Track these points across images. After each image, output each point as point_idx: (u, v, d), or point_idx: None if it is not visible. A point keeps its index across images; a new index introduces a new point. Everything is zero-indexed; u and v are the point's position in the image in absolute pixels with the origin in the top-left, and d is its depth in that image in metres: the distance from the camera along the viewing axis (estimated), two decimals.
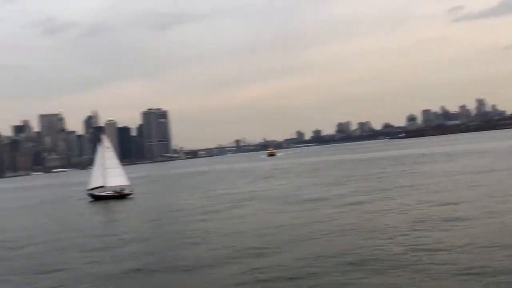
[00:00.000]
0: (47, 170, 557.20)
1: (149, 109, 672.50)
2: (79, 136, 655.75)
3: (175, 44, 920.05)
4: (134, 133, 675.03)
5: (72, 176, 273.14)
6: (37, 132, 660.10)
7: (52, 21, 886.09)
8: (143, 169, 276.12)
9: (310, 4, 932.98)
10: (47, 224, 48.88)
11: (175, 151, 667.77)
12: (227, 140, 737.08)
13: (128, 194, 69.81)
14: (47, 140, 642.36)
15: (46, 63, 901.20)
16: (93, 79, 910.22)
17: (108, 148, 72.39)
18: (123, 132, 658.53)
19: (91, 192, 70.63)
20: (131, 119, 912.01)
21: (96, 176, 70.73)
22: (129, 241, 33.53)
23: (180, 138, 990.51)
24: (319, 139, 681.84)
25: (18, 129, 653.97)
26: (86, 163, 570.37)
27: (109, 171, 70.03)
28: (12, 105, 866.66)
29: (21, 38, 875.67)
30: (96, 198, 69.38)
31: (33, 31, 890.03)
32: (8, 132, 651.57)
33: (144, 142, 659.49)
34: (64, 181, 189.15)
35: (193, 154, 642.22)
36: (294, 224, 33.87)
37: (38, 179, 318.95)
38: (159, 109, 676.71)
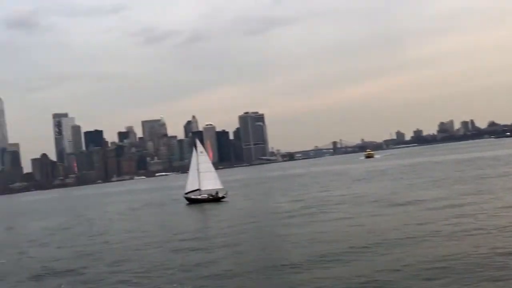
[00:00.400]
0: (150, 174, 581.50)
1: (245, 113, 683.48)
2: (180, 141, 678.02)
3: (269, 49, 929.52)
4: (232, 136, 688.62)
5: (172, 179, 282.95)
6: (141, 138, 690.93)
7: (153, 30, 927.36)
8: (240, 172, 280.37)
9: (405, 4, 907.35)
10: (149, 227, 50.78)
11: (272, 154, 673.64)
12: (324, 142, 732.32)
13: (223, 197, 71.38)
14: (150, 145, 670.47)
15: (147, 71, 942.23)
16: (192, 85, 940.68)
17: (202, 152, 74.47)
18: (221, 136, 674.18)
19: (188, 195, 72.98)
20: (229, 123, 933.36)
21: (192, 180, 72.95)
22: (224, 243, 34.34)
23: (276, 140, 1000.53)
24: (420, 139, 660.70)
25: (123, 135, 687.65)
26: (187, 167, 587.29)
27: (203, 175, 72.01)
28: (117, 112, 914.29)
29: (124, 48, 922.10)
30: (192, 201, 71.60)
31: (135, 40, 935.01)
32: (114, 138, 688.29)
33: (241, 145, 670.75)
34: (164, 185, 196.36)
35: (289, 156, 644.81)
36: (386, 228, 33.15)
37: (140, 183, 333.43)
38: (255, 112, 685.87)
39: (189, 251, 32.29)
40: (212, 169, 74.31)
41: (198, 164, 72.94)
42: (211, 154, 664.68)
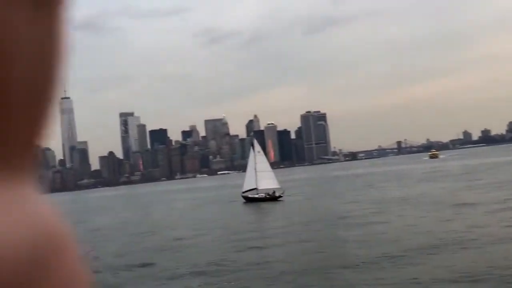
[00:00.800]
0: (213, 172, 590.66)
1: (307, 112, 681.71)
2: (242, 140, 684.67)
3: (330, 48, 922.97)
4: (293, 136, 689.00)
5: (233, 178, 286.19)
6: (203, 137, 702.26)
7: (216, 31, 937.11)
8: (301, 172, 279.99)
9: (469, 2, 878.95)
10: (208, 224, 51.77)
11: (334, 154, 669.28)
12: (388, 141, 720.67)
13: (279, 197, 71.89)
14: (212, 144, 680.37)
15: (210, 71, 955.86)
16: (254, 85, 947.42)
17: (259, 152, 75.31)
18: (282, 135, 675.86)
19: (245, 194, 73.97)
20: (290, 123, 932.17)
21: (249, 179, 73.90)
22: (281, 242, 34.86)
23: (338, 140, 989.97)
24: (488, 139, 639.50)
25: (186, 134, 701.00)
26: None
27: (260, 174, 72.77)
28: (181, 112, 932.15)
29: (187, 48, 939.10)
30: (249, 200, 72.50)
31: (198, 40, 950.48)
32: (178, 137, 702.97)
33: (303, 144, 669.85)
34: (224, 183, 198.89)
35: (352, 156, 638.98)
36: (445, 230, 32.77)
37: (202, 181, 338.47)
38: (317, 111, 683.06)
39: (246, 249, 32.98)
40: (269, 168, 74.99)
41: (255, 163, 73.72)
42: (272, 153, 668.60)
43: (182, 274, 27.06)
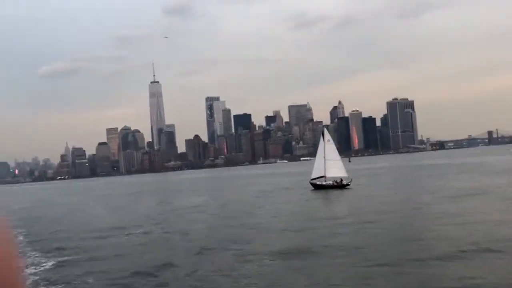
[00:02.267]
0: (295, 158, 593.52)
1: (394, 99, 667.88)
2: (325, 126, 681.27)
3: (421, 33, 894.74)
4: (378, 123, 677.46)
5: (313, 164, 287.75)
6: (287, 122, 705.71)
7: (304, 15, 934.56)
8: (384, 160, 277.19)
9: None
10: (276, 210, 54.23)
11: (421, 142, 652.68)
12: (478, 131, 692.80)
13: (347, 185, 74.14)
14: (296, 129, 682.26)
15: (296, 56, 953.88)
16: (340, 70, 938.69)
17: (329, 141, 77.59)
18: (367, 122, 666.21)
19: (313, 181, 76.79)
20: (376, 110, 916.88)
21: (318, 166, 76.60)
22: (350, 230, 36.13)
23: (426, 128, 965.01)
24: None
25: (270, 119, 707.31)
26: None
27: (329, 162, 75.24)
28: (265, 97, 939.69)
29: (275, 33, 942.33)
30: (317, 187, 75.29)
31: (286, 25, 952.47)
32: (261, 122, 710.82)
33: (389, 132, 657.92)
34: (302, 170, 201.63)
35: (440, 145, 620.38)
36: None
37: (283, 166, 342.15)
38: (404, 99, 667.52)
39: (318, 236, 34.43)
40: (338, 157, 77.31)
41: (324, 152, 76.22)
42: (356, 140, 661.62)
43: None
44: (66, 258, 32.85)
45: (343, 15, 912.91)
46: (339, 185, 73.95)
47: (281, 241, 33.63)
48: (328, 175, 75.19)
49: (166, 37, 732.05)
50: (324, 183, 75.37)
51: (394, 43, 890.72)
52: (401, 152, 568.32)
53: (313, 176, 77.07)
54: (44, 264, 30.97)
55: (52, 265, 30.70)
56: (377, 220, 40.09)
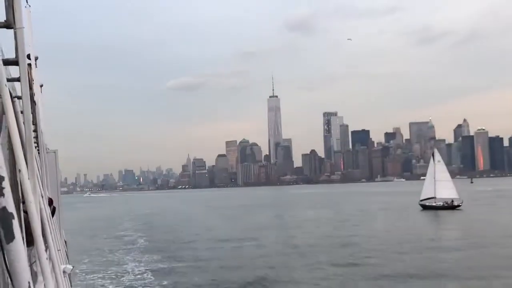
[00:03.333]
0: (415, 177, 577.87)
1: None
2: (448, 145, 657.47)
3: None
4: (506, 143, 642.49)
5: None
6: (407, 140, 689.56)
7: (429, 30, 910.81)
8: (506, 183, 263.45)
9: None
10: (382, 231, 56.32)
11: None
12: None
13: (458, 206, 74.66)
14: (416, 147, 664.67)
15: (419, 71, 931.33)
16: (465, 87, 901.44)
17: (439, 161, 78.59)
18: (494, 142, 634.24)
19: (423, 202, 78.07)
20: (504, 129, 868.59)
21: (428, 187, 77.80)
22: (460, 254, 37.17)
23: None
24: None
25: (389, 136, 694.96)
26: (453, 173, 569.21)
27: (439, 183, 76.22)
28: (385, 113, 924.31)
29: (398, 48, 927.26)
30: (426, 208, 76.53)
31: (408, 41, 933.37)
32: (380, 138, 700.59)
33: None
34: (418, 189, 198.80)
35: None
36: None
37: (399, 185, 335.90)
38: None
39: (428, 259, 35.59)
40: (449, 178, 78.05)
41: (435, 172, 77.31)
42: (481, 161, 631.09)
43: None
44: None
45: (470, 29, 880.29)
46: (450, 206, 74.61)
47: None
48: (438, 195, 76.14)
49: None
50: (434, 203, 76.41)
51: None
52: None
53: (422, 197, 78.33)
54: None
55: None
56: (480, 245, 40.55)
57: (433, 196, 76.67)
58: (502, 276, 28.51)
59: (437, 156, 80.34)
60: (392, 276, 30.35)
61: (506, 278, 27.59)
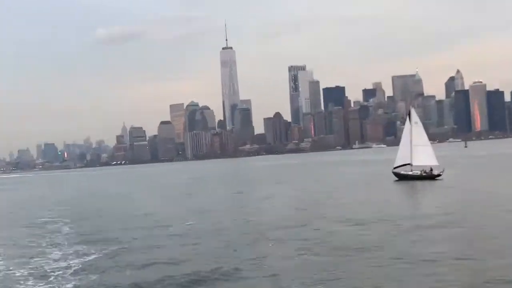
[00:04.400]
0: (399, 141, 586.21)
1: None
2: (439, 102, 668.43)
3: None
4: (508, 98, 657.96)
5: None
6: (390, 97, 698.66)
7: None
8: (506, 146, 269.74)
9: None
10: (355, 202, 57.81)
11: None
12: None
13: (438, 175, 77.09)
14: (401, 106, 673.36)
15: (404, 14, 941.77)
16: (459, 32, 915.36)
17: (416, 123, 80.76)
18: (493, 96, 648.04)
19: (396, 170, 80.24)
20: (505, 81, 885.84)
21: (402, 153, 79.98)
22: (439, 225, 38.63)
23: None
24: None
25: (369, 93, 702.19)
26: (445, 135, 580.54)
27: (416, 148, 78.41)
28: (363, 66, 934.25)
29: None
30: (401, 178, 78.82)
31: None
32: (358, 97, 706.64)
33: None
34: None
35: None
36: None
37: (379, 152, 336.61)
38: None
39: (401, 235, 36.34)
40: (428, 142, 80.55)
41: (411, 135, 79.44)
42: (478, 120, 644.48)
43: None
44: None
45: None
46: (429, 176, 76.84)
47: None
48: (415, 163, 78.31)
49: None
50: (409, 172, 78.64)
51: None
52: None
53: (396, 164, 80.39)
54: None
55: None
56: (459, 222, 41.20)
57: (408, 163, 78.61)
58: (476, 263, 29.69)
59: (414, 116, 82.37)
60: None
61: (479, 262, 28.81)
